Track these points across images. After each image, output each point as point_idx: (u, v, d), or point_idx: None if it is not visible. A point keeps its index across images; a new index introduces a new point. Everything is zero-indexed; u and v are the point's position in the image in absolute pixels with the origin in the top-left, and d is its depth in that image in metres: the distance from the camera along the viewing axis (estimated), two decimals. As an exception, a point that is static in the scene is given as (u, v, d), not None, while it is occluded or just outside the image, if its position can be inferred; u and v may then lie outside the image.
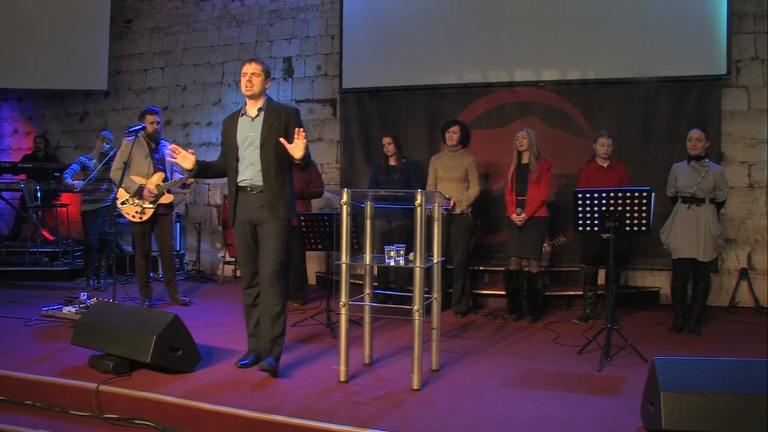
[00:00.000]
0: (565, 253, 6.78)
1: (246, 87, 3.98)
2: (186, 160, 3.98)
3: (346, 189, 3.77)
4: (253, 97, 4.02)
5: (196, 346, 4.01)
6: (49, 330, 5.06)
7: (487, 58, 7.15)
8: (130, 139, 5.77)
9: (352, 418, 3.19)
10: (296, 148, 3.81)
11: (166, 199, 5.92)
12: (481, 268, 6.86)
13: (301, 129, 3.85)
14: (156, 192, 5.87)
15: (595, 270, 5.66)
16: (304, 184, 6.20)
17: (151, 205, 5.91)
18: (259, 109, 4.03)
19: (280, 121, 4.00)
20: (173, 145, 4.05)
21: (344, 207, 3.75)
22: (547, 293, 6.11)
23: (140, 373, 3.83)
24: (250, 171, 3.99)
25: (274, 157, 3.95)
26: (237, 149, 4.03)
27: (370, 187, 6.29)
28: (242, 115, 4.08)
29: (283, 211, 3.97)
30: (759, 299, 6.25)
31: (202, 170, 4.13)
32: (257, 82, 3.98)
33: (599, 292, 5.75)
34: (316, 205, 6.96)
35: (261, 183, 3.97)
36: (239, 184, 4.03)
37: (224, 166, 4.14)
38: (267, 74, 4.05)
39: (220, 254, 8.26)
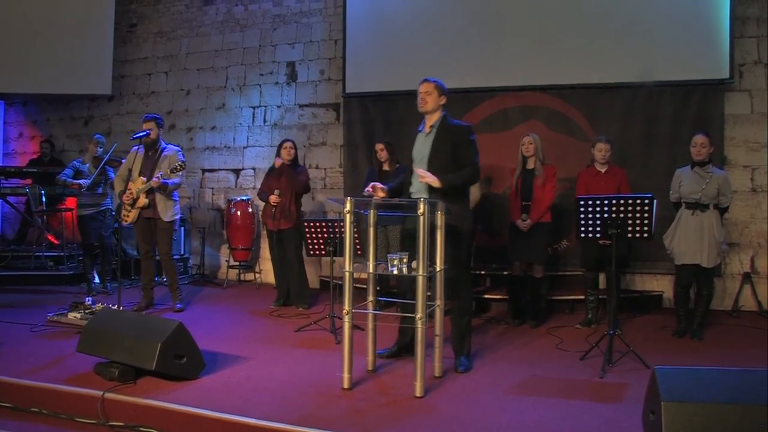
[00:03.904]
0: (567, 257, 6.78)
1: (420, 105, 4.29)
2: (381, 192, 4.24)
3: (349, 198, 3.79)
4: (428, 113, 4.30)
5: (201, 353, 4.03)
6: (54, 336, 5.08)
7: (490, 63, 7.17)
8: (134, 150, 6.04)
9: (355, 426, 3.21)
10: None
11: (140, 202, 5.96)
12: (484, 272, 6.87)
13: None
14: (134, 195, 5.95)
15: (596, 275, 5.68)
16: (298, 188, 6.35)
17: (131, 208, 6.00)
18: (432, 126, 4.29)
19: (449, 138, 4.24)
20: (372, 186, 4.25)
21: (347, 215, 3.77)
22: (549, 297, 6.13)
23: (145, 381, 3.85)
24: (417, 184, 4.27)
25: (441, 173, 4.15)
26: (413, 163, 4.36)
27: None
28: (420, 130, 4.39)
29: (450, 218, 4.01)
30: (762, 303, 6.26)
31: (396, 194, 4.39)
32: (430, 99, 4.25)
33: (601, 296, 5.76)
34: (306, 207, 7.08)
35: (426, 195, 4.16)
36: (411, 195, 4.31)
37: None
38: (440, 91, 4.29)
39: (224, 259, 8.30)
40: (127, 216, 6.04)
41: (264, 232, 8.20)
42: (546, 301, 5.91)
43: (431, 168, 4.20)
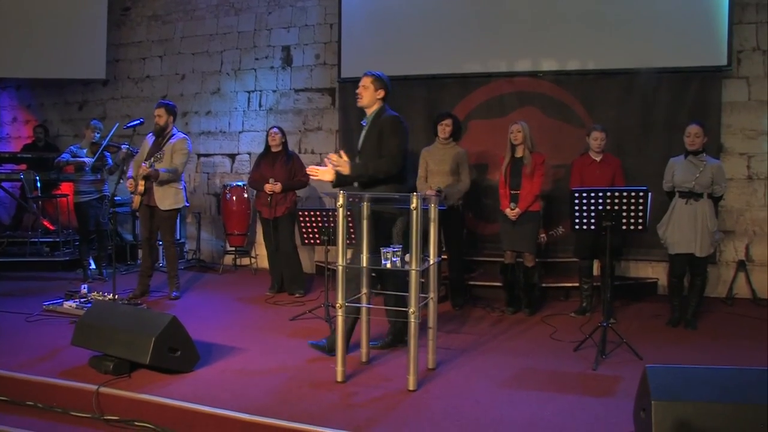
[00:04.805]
0: (561, 244, 6.77)
1: (357, 100, 4.41)
2: (326, 174, 4.24)
3: (341, 191, 3.77)
4: (364, 107, 4.40)
5: (195, 347, 4.04)
6: (50, 326, 5.09)
7: (486, 48, 7.11)
8: (147, 136, 6.18)
9: (348, 421, 3.22)
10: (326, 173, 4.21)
11: (139, 189, 5.96)
12: (478, 258, 6.86)
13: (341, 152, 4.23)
14: (135, 182, 5.96)
15: (590, 263, 5.68)
16: (288, 177, 6.30)
17: (134, 194, 6.02)
18: (367, 118, 4.38)
19: (377, 129, 4.28)
20: (311, 168, 4.34)
21: (340, 210, 3.76)
22: (544, 285, 6.15)
23: (140, 374, 3.86)
24: None
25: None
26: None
27: None
28: (363, 123, 4.47)
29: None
30: (756, 291, 6.27)
31: (342, 179, 4.31)
32: (366, 94, 4.34)
33: (595, 284, 5.77)
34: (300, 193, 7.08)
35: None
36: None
37: None
38: (377, 85, 4.33)
39: (221, 244, 8.30)
40: (133, 202, 6.08)
41: (258, 219, 8.26)
42: (540, 289, 5.92)
43: (361, 160, 4.32)
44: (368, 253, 3.95)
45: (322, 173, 4.26)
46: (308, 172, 4.34)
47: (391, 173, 4.24)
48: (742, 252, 6.41)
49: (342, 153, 4.24)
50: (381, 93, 4.35)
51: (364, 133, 4.40)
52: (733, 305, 6.11)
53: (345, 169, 4.15)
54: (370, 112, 4.38)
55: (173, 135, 6.10)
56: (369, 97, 4.34)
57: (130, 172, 6.11)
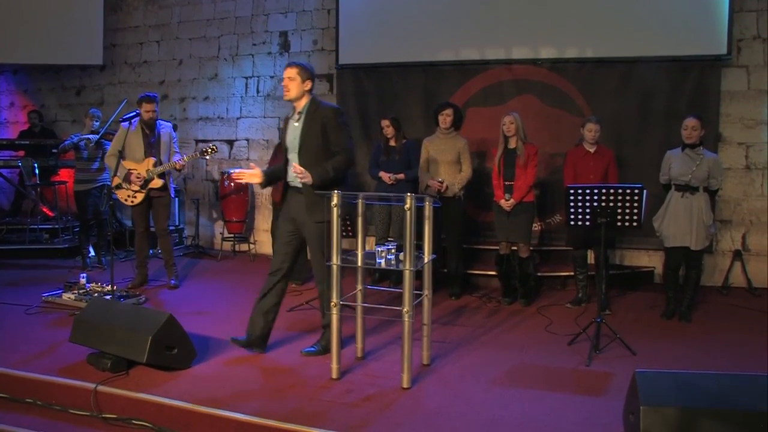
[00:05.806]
0: (557, 232, 6.79)
1: (284, 93, 4.18)
2: (254, 177, 4.20)
3: (336, 191, 3.78)
4: (292, 101, 4.17)
5: (192, 343, 4.07)
6: (49, 318, 5.14)
7: (484, 35, 7.06)
8: (125, 126, 5.84)
9: (342, 421, 3.27)
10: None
11: (156, 183, 5.95)
12: (476, 246, 6.88)
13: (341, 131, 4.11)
14: (145, 176, 5.93)
15: (584, 252, 5.70)
16: None
17: (141, 190, 5.98)
18: (299, 113, 4.17)
19: (317, 123, 4.10)
20: (237, 173, 4.31)
21: (334, 209, 3.77)
22: (540, 274, 6.18)
23: (137, 371, 3.90)
24: (292, 172, 4.14)
25: (313, 161, 4.08)
26: (287, 152, 4.27)
27: (370, 168, 6.33)
28: (291, 117, 4.25)
29: (321, 214, 4.02)
30: (752, 280, 6.29)
31: (273, 179, 4.39)
32: (293, 86, 4.10)
33: (590, 273, 5.78)
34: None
35: (300, 185, 4.13)
36: (288, 183, 4.26)
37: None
38: (304, 76, 4.11)
39: (219, 230, 8.31)
40: (134, 198, 6.03)
41: (259, 204, 8.27)
42: (536, 279, 5.94)
43: (303, 158, 4.14)
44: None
45: (248, 176, 4.21)
46: (234, 177, 4.26)
47: (349, 167, 4.17)
48: (738, 241, 6.43)
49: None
50: (308, 84, 4.12)
51: (299, 127, 4.15)
52: (728, 294, 6.14)
53: (309, 179, 4.01)
54: (301, 105, 4.14)
55: (159, 126, 6.13)
56: (297, 90, 4.09)
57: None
